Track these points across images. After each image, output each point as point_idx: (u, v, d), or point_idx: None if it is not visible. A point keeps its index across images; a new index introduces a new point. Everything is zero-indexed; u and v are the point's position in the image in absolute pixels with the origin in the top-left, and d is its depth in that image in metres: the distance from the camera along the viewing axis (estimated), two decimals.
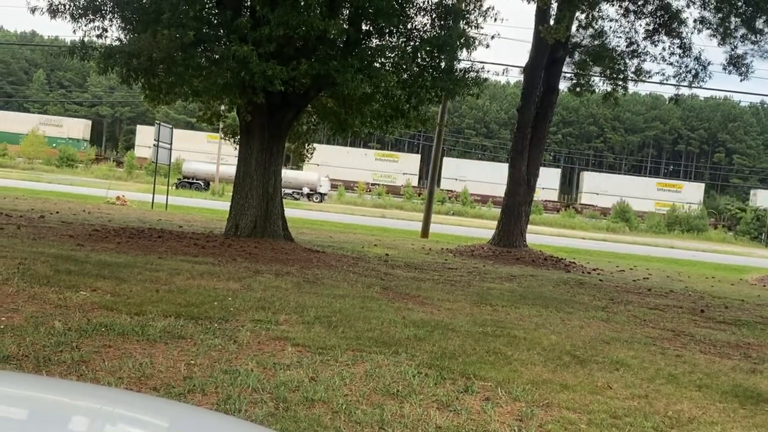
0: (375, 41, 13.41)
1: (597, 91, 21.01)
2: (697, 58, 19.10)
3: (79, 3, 12.04)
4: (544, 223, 51.48)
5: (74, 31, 12.54)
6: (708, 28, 18.45)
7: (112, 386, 4.03)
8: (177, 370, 4.54)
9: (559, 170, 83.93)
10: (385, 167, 76.07)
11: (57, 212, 16.90)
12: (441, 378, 4.98)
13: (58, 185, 36.19)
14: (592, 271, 16.29)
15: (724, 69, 18.65)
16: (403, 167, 76.39)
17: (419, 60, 13.21)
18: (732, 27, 18.00)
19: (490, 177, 70.94)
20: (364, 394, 4.46)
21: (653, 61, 19.51)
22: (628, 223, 59.42)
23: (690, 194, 74.35)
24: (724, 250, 40.78)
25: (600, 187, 75.02)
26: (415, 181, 75.22)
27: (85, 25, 12.26)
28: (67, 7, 12.02)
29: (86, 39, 12.42)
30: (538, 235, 31.09)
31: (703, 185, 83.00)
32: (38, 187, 32.16)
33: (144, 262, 9.09)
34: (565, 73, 20.23)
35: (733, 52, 18.39)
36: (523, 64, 19.14)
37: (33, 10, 12.06)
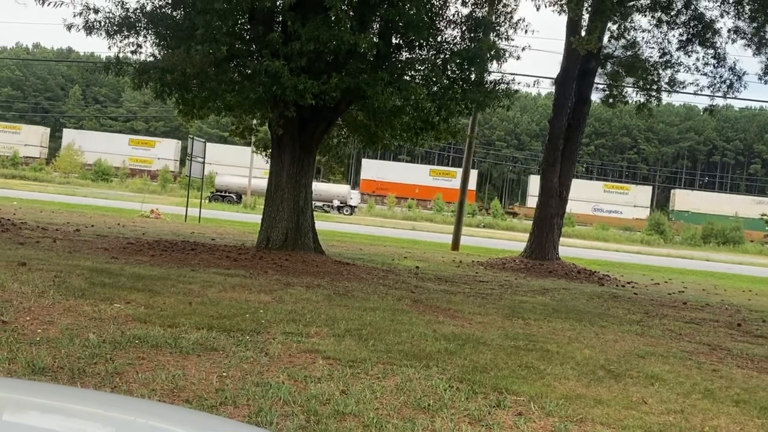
0: (405, 54, 13.45)
1: (630, 102, 20.84)
2: (732, 68, 18.87)
3: (115, 20, 12.26)
4: (577, 236, 51.04)
5: (109, 48, 12.72)
6: (742, 38, 18.24)
7: (145, 398, 4.06)
8: (209, 382, 4.57)
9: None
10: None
11: (92, 225, 17.16)
12: (473, 392, 4.94)
13: (93, 199, 36.78)
14: (627, 284, 16.08)
15: (760, 79, 18.41)
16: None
17: (449, 72, 13.21)
18: (767, 37, 17.76)
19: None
20: (395, 407, 4.44)
21: (687, 72, 19.33)
22: (663, 236, 58.66)
23: None
24: (762, 263, 40.00)
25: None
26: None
27: (120, 42, 12.47)
28: (103, 24, 12.24)
29: (121, 55, 12.63)
30: (571, 248, 30.82)
31: None
32: (74, 200, 32.70)
33: (177, 275, 9.18)
34: (598, 84, 20.11)
35: None
36: (555, 76, 19.06)
37: (69, 28, 12.29)
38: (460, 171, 78.46)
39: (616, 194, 79.38)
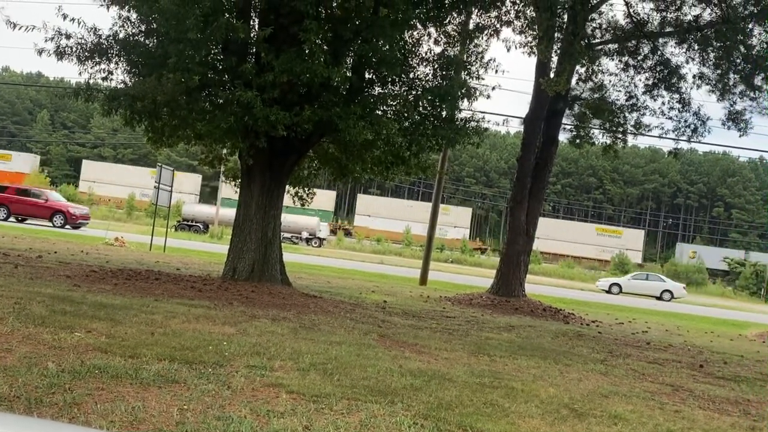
0: (377, 89, 13.57)
1: (597, 143, 21.21)
2: (696, 113, 19.32)
3: (87, 46, 12.20)
4: (543, 273, 51.38)
5: (80, 73, 12.61)
6: (707, 84, 18.71)
7: (103, 429, 3.97)
8: (169, 414, 4.48)
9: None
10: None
11: (55, 252, 16.87)
12: (437, 429, 4.91)
13: None
14: (591, 323, 16.19)
15: (723, 124, 18.84)
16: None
17: (421, 108, 13.35)
18: (731, 83, 18.24)
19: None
20: None
21: (653, 115, 19.75)
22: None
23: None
24: (723, 305, 40.60)
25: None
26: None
27: (91, 68, 12.39)
28: (74, 49, 12.17)
29: (91, 81, 12.55)
30: (537, 285, 31.02)
31: None
32: (37, 227, 32.15)
33: (140, 305, 9.04)
34: (565, 124, 20.44)
35: (732, 108, 18.60)
36: (524, 115, 19.34)
37: (40, 52, 12.19)
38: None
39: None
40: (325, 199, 76.63)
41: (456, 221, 76.08)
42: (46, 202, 33.50)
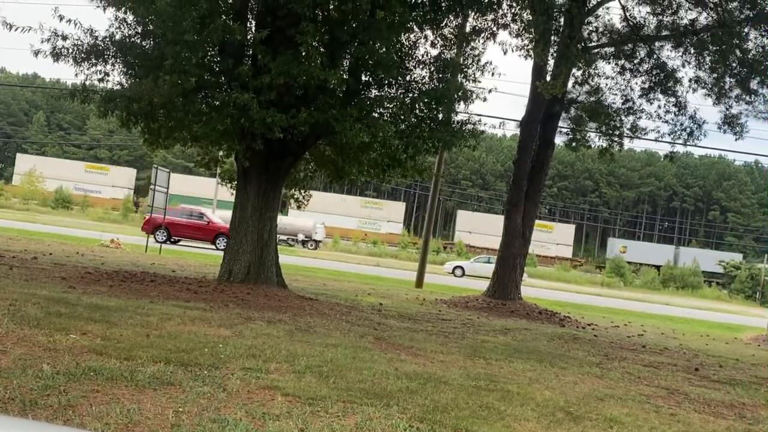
0: (374, 92, 13.58)
1: (593, 146, 21.23)
2: (692, 117, 19.37)
3: (83, 47, 12.18)
4: (539, 276, 51.42)
5: (76, 75, 12.56)
6: (703, 88, 18.76)
7: None
8: (165, 417, 4.47)
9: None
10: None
11: (50, 254, 16.83)
12: None
13: (53, 227, 36.11)
14: (587, 326, 16.19)
15: (719, 128, 18.88)
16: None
17: (417, 111, 13.36)
18: (727, 87, 18.29)
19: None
20: None
21: (649, 119, 19.81)
22: (623, 278, 59.41)
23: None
24: (719, 308, 40.66)
25: None
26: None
27: (87, 69, 12.36)
28: (71, 51, 12.14)
29: (88, 82, 12.53)
30: (533, 288, 31.04)
31: None
32: (33, 228, 32.09)
33: (135, 306, 9.02)
34: (562, 127, 20.45)
35: (727, 112, 18.66)
36: (520, 118, 19.35)
37: (36, 53, 12.15)
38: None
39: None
40: None
41: (389, 215, 76.03)
42: (208, 224, 32.31)
